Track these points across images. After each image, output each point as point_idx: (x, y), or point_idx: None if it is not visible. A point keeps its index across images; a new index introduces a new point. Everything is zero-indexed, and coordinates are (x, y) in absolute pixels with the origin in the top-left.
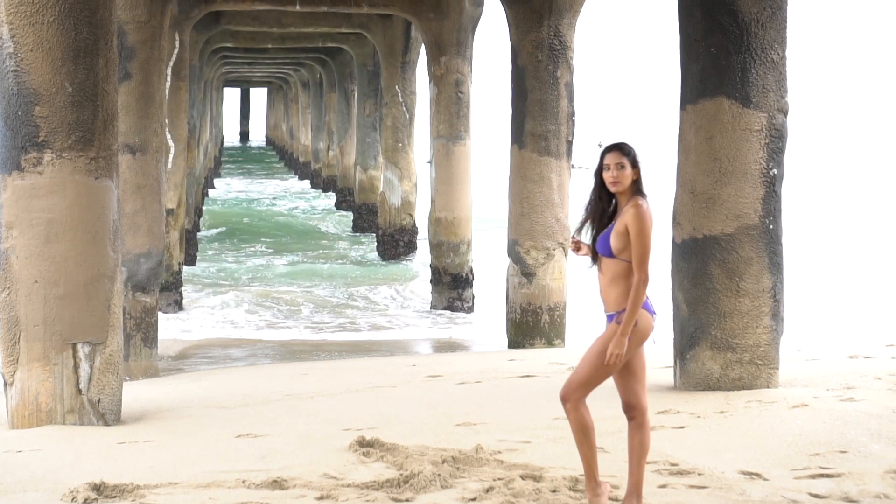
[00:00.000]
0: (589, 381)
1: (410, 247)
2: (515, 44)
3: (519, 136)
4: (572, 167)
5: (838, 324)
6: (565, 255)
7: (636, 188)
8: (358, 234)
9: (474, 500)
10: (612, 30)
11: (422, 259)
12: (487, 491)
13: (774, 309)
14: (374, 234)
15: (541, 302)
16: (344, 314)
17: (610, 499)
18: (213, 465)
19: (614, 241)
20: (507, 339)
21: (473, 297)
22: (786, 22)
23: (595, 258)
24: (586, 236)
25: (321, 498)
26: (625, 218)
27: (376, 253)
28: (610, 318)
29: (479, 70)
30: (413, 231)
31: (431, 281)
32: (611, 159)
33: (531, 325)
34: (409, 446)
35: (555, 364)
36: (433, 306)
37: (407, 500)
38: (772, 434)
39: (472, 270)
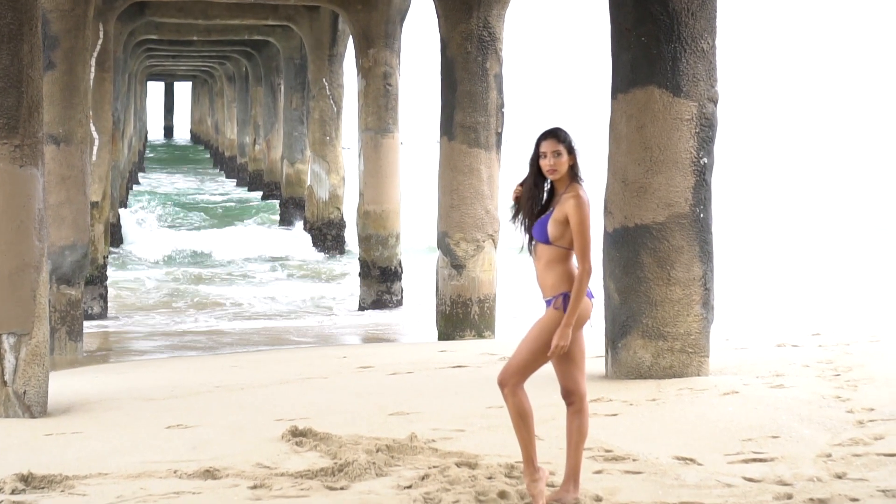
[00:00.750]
0: (527, 366)
1: (339, 240)
2: (444, 35)
3: (448, 127)
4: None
5: (766, 313)
6: (495, 247)
7: (573, 174)
8: (285, 226)
9: (410, 487)
10: (541, 21)
11: (351, 253)
12: (423, 478)
13: (705, 297)
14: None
15: (471, 294)
16: (270, 305)
17: (547, 485)
18: (143, 455)
19: (552, 229)
20: (437, 332)
21: (402, 290)
22: (716, 11)
23: (530, 243)
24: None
25: (254, 487)
26: (564, 207)
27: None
28: (548, 303)
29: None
30: (341, 225)
31: (360, 274)
32: (547, 147)
33: (461, 316)
34: (342, 436)
35: (486, 354)
36: (362, 299)
37: (342, 489)
38: (704, 420)
39: (400, 263)
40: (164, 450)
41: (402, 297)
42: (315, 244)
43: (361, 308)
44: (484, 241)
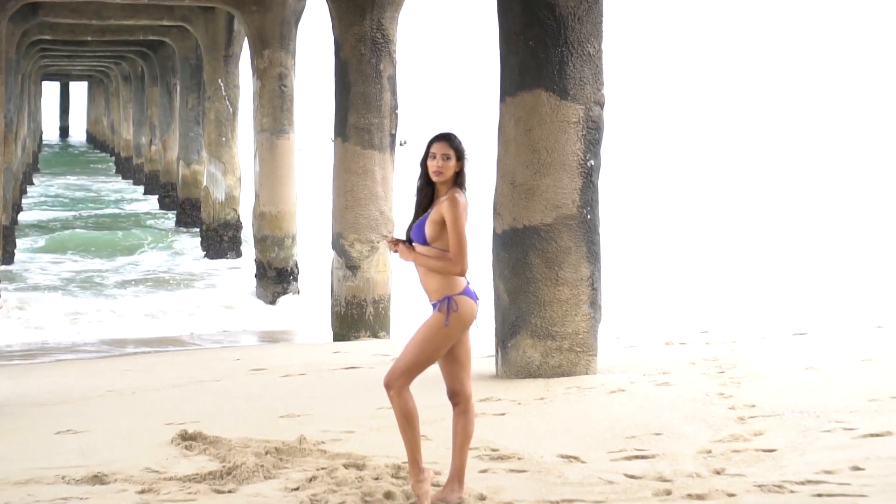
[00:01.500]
0: (412, 367)
1: (235, 242)
2: (338, 37)
3: (342, 129)
4: (401, 143)
5: (658, 312)
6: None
7: (457, 180)
8: (182, 227)
9: (297, 489)
10: (434, 23)
11: (247, 255)
12: (310, 480)
13: (592, 297)
14: (198, 230)
15: (365, 294)
16: (166, 309)
17: (433, 484)
18: (31, 462)
19: (429, 230)
20: (332, 332)
21: (298, 291)
22: (602, 16)
23: (409, 244)
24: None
25: (142, 492)
26: (440, 208)
27: (200, 249)
28: (433, 306)
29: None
30: (237, 226)
31: (256, 275)
32: (437, 149)
33: (356, 317)
34: (232, 439)
35: (378, 355)
36: (258, 300)
37: (230, 492)
38: (589, 419)
39: (296, 264)
40: (52, 456)
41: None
42: (207, 250)
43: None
44: (378, 242)
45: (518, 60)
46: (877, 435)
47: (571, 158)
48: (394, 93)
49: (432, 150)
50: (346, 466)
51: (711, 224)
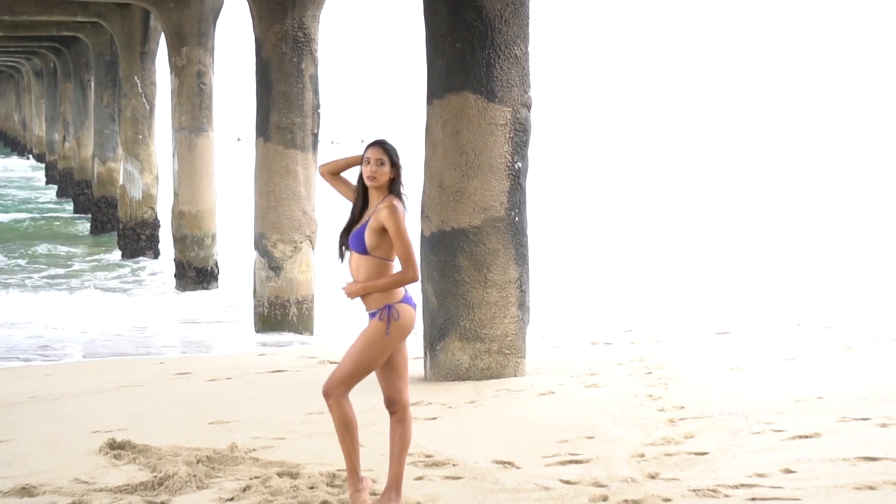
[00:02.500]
0: (352, 376)
1: (153, 241)
2: (259, 36)
3: (264, 128)
4: (331, 142)
5: (580, 311)
6: (312, 248)
7: (393, 187)
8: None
9: (231, 500)
10: (361, 23)
11: (167, 257)
12: (245, 490)
13: (521, 299)
14: (115, 230)
15: (288, 295)
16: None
17: (370, 493)
18: None
19: (369, 239)
20: (254, 333)
21: (219, 290)
22: (528, 18)
23: (343, 254)
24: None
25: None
26: (379, 216)
27: (117, 248)
28: (372, 315)
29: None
30: (155, 224)
31: (175, 275)
32: (371, 154)
33: (279, 318)
34: (161, 447)
35: (305, 358)
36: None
37: (162, 503)
38: (521, 422)
39: (217, 264)
40: None
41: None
42: (124, 249)
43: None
44: (301, 242)
45: (445, 62)
46: (805, 436)
47: (499, 161)
48: (316, 92)
49: (367, 155)
50: (279, 475)
51: (640, 224)
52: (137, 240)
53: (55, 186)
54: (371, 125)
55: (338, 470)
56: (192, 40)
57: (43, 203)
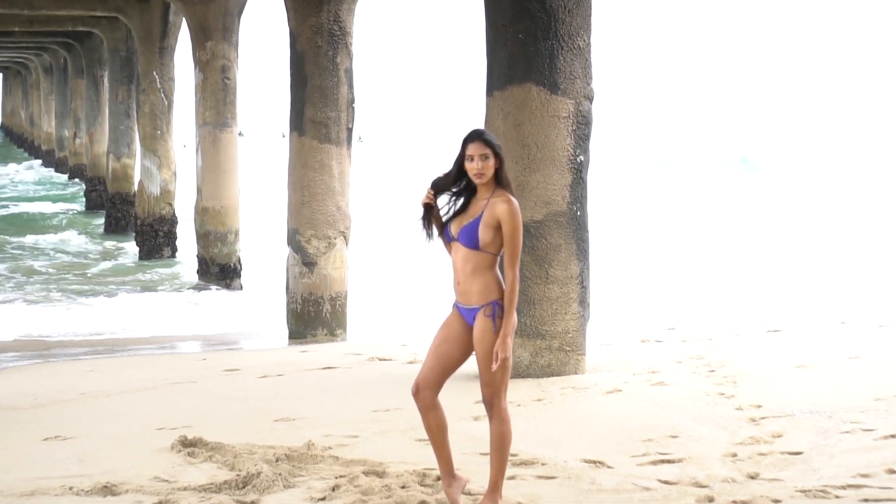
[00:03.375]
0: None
1: (170, 237)
2: (294, 29)
3: (298, 123)
4: (358, 139)
5: (621, 308)
6: (346, 244)
7: (498, 179)
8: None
9: (323, 499)
10: (395, 17)
11: (184, 253)
12: (334, 489)
13: (582, 295)
14: (133, 228)
15: (322, 292)
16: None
17: (464, 492)
18: (28, 471)
19: (483, 234)
20: (287, 330)
21: (242, 286)
22: (591, 9)
23: (447, 244)
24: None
25: (160, 503)
26: (496, 212)
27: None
28: (473, 311)
29: (245, 56)
30: (173, 221)
31: (198, 271)
32: (474, 150)
33: (313, 315)
34: (234, 445)
35: (352, 355)
36: (201, 296)
37: (252, 502)
38: (597, 420)
39: (240, 260)
40: (48, 464)
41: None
42: (142, 246)
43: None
44: (335, 238)
45: (507, 53)
46: None
47: (561, 154)
48: (350, 86)
49: (468, 151)
50: (365, 474)
51: (692, 221)
52: (155, 236)
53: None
54: (401, 120)
55: (425, 469)
56: (216, 35)
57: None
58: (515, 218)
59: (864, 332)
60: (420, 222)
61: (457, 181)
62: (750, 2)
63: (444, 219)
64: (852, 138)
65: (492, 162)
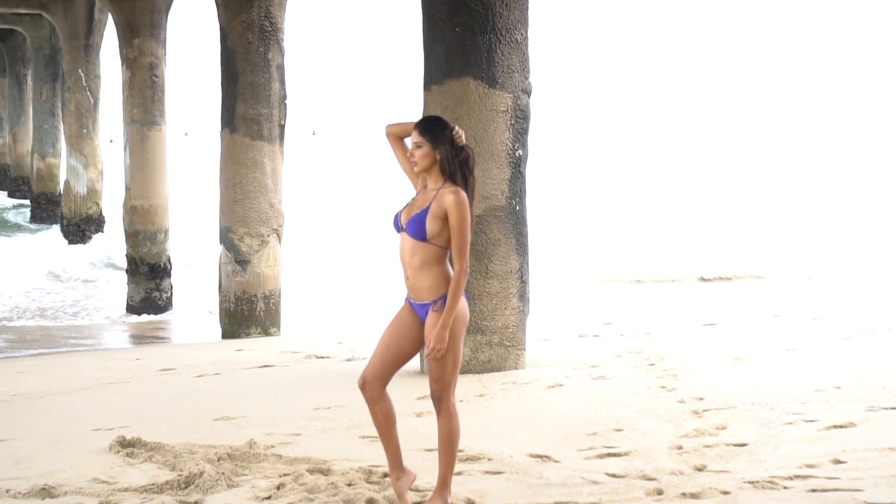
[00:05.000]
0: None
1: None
2: (224, 25)
3: (230, 120)
4: (312, 134)
5: (555, 304)
6: (279, 242)
7: (447, 169)
8: (38, 224)
9: (269, 498)
10: (340, 10)
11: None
12: (279, 488)
13: (521, 290)
14: (58, 225)
15: (256, 290)
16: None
17: (411, 489)
18: None
19: (430, 226)
20: (221, 329)
21: (172, 287)
22: (528, 3)
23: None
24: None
25: None
26: (443, 203)
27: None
28: (424, 307)
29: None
30: (100, 220)
31: (127, 271)
32: (413, 137)
33: (246, 313)
34: (174, 445)
35: (289, 353)
36: (130, 297)
37: (196, 502)
38: (541, 415)
39: (170, 260)
40: None
41: (171, 294)
42: (71, 241)
43: (130, 305)
44: (268, 236)
45: (444, 47)
46: (841, 426)
47: (500, 148)
48: (282, 82)
49: (412, 139)
50: (310, 472)
51: (619, 215)
52: (83, 236)
53: None
54: (351, 115)
55: (370, 466)
56: (143, 32)
57: None
58: (462, 209)
59: (798, 325)
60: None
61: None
62: None
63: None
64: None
65: (427, 150)
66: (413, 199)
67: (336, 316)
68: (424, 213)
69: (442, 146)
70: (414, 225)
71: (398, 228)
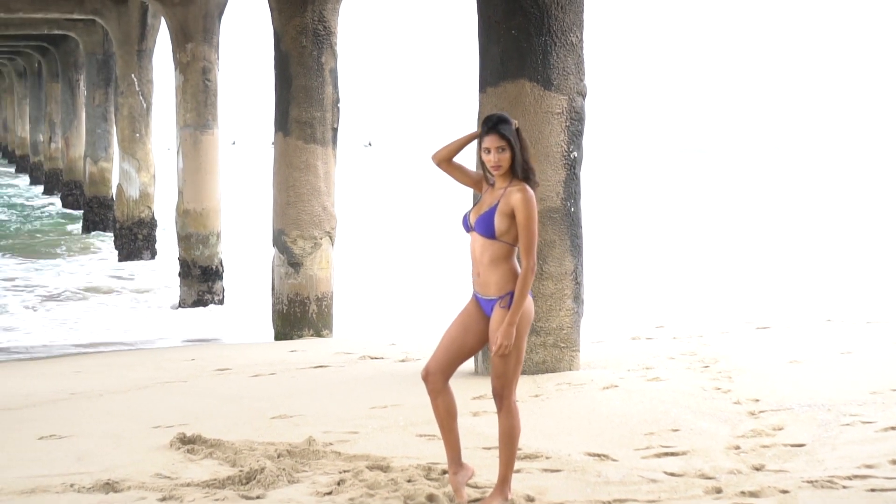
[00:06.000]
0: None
1: (150, 240)
2: (278, 29)
3: (283, 123)
4: (369, 145)
5: (607, 306)
6: (332, 244)
7: (516, 169)
8: (89, 233)
9: (329, 493)
10: (389, 15)
11: (162, 254)
12: (339, 484)
13: (576, 291)
14: (111, 230)
15: (308, 292)
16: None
17: (471, 485)
18: (27, 469)
19: (499, 223)
20: (273, 331)
21: (224, 289)
22: (583, 5)
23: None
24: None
25: (164, 499)
26: (510, 200)
27: (113, 247)
28: (490, 302)
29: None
30: (152, 224)
31: (180, 274)
32: (490, 143)
33: (299, 315)
34: (234, 441)
35: (342, 354)
36: (182, 300)
37: (258, 497)
38: (597, 415)
39: (221, 262)
40: (46, 462)
41: (223, 296)
42: (121, 249)
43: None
44: (321, 239)
45: (500, 50)
46: None
47: (555, 150)
48: (335, 86)
49: (485, 144)
50: (369, 468)
51: (681, 218)
52: (134, 240)
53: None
54: (408, 123)
55: (430, 463)
56: (197, 36)
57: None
58: (529, 206)
59: (852, 329)
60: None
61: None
62: None
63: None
64: (870, 133)
65: (508, 154)
66: (481, 198)
67: (388, 318)
68: (492, 210)
69: (516, 145)
70: (483, 223)
71: (467, 228)
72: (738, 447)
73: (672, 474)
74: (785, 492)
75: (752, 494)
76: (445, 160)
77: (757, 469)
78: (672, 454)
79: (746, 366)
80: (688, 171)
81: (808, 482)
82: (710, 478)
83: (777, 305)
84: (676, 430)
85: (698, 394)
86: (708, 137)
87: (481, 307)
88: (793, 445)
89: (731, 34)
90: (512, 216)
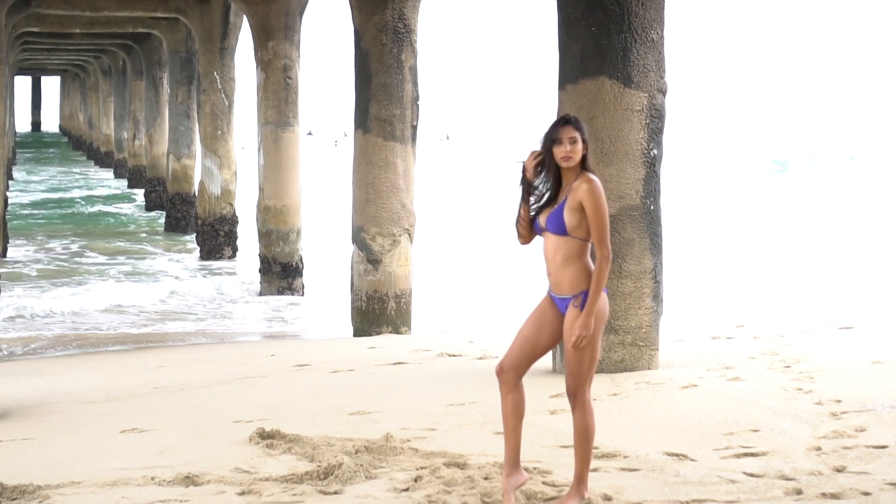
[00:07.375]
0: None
1: (231, 237)
2: (359, 27)
3: (363, 120)
4: (447, 138)
5: (686, 305)
6: (411, 242)
7: (584, 164)
8: (172, 232)
9: (407, 489)
10: (458, 15)
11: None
12: (416, 480)
13: (655, 290)
14: (193, 227)
15: (387, 289)
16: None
17: (547, 484)
18: (110, 462)
19: (568, 218)
20: (352, 328)
21: (303, 285)
22: (664, 2)
23: (531, 233)
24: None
25: (243, 493)
26: (577, 194)
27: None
28: (564, 301)
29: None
30: (233, 221)
31: (260, 270)
32: (564, 134)
33: (377, 312)
34: (312, 437)
35: (420, 351)
36: (262, 296)
37: (336, 493)
38: (676, 414)
39: (301, 259)
40: (128, 455)
41: (303, 292)
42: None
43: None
44: (400, 236)
45: (579, 47)
46: None
47: (635, 147)
48: (415, 83)
49: (559, 135)
50: (447, 465)
51: (758, 217)
52: (216, 236)
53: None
54: (484, 119)
55: None
56: (278, 34)
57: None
58: (596, 195)
59: None
60: (520, 187)
61: (552, 170)
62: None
63: (532, 213)
64: None
65: (580, 146)
66: (544, 201)
67: (466, 315)
68: (561, 207)
69: (588, 142)
70: (553, 220)
71: (539, 231)
72: (819, 448)
73: (752, 475)
74: (867, 494)
75: (833, 496)
76: (526, 235)
77: (838, 471)
78: (752, 455)
79: (829, 366)
80: (776, 173)
81: (890, 484)
82: (790, 479)
83: (861, 306)
84: (756, 431)
85: (779, 394)
86: (809, 140)
87: (556, 305)
88: (875, 447)
89: (826, 32)
90: (581, 210)
